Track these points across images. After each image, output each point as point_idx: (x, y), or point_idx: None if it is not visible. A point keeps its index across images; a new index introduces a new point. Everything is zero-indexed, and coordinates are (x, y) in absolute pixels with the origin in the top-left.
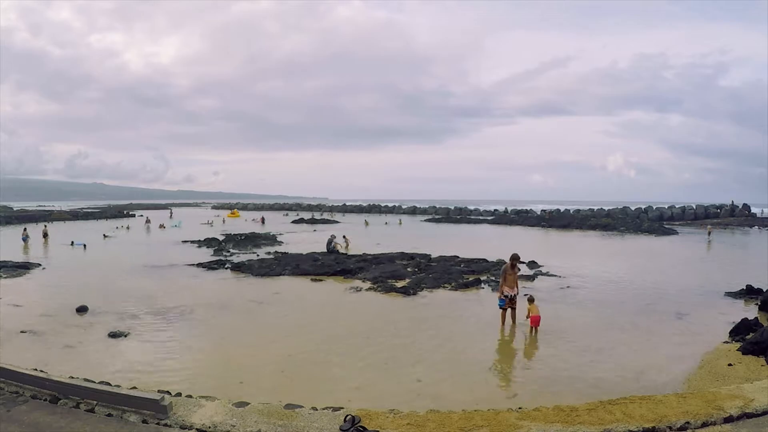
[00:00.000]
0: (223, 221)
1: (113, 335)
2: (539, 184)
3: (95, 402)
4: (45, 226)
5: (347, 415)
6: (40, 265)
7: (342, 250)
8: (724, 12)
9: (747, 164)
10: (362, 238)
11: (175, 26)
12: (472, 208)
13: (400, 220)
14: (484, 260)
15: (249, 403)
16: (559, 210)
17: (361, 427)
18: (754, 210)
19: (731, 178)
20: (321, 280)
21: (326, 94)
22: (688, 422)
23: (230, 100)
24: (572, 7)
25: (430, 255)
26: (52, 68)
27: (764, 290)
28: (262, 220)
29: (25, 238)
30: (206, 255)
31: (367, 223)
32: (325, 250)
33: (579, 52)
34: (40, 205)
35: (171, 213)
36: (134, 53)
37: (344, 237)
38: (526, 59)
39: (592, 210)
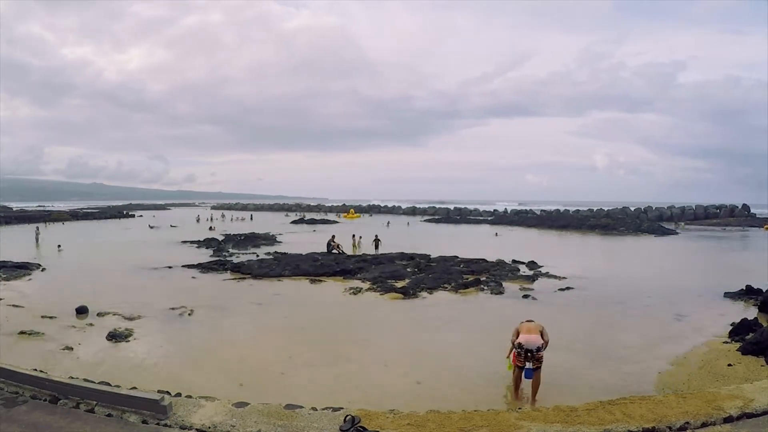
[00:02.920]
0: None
1: (113, 336)
2: (534, 184)
3: (95, 402)
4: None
5: (347, 415)
6: (40, 265)
7: (358, 251)
8: (667, 11)
9: (733, 164)
10: (362, 238)
11: (137, 38)
12: (471, 208)
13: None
14: (484, 260)
15: (249, 404)
16: (558, 210)
17: (361, 427)
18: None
19: (721, 177)
20: (321, 281)
21: (295, 100)
22: (687, 422)
23: (206, 104)
24: (518, 10)
25: (429, 255)
26: (37, 77)
27: (764, 290)
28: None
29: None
30: (206, 255)
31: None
32: (325, 251)
33: (534, 54)
34: (40, 205)
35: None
36: (105, 61)
37: (354, 236)
38: (483, 62)
39: (591, 210)
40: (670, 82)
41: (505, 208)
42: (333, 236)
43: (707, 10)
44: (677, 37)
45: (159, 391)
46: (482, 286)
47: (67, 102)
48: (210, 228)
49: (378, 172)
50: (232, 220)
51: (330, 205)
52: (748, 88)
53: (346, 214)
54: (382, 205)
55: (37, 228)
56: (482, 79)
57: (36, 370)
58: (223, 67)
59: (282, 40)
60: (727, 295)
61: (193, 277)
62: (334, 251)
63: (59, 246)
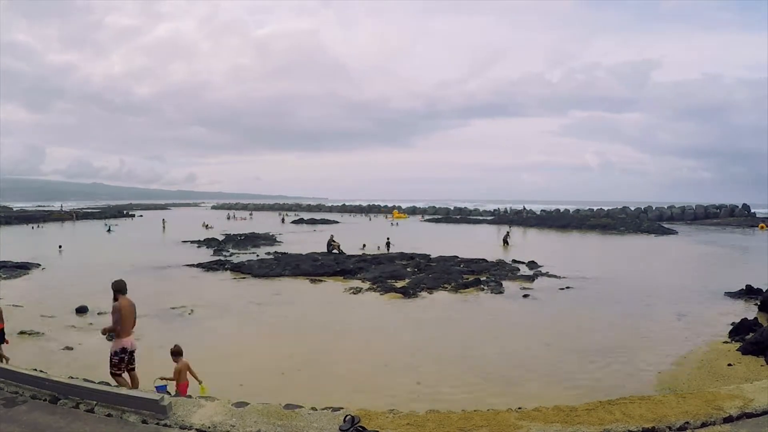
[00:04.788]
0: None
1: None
2: (530, 184)
3: (95, 402)
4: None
5: (347, 415)
6: (39, 265)
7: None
8: (632, 9)
9: (725, 163)
10: (362, 239)
11: (117, 45)
12: (471, 208)
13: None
14: (484, 260)
15: (249, 404)
16: (558, 210)
17: (360, 427)
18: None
19: (714, 176)
20: (321, 281)
21: (278, 103)
22: (687, 422)
23: (193, 108)
24: (481, 10)
25: (429, 255)
26: (28, 82)
27: (764, 290)
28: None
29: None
30: (206, 255)
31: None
32: (325, 251)
33: (504, 54)
34: (39, 205)
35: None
36: (91, 67)
37: (388, 239)
38: (457, 64)
39: (591, 210)
40: (646, 81)
41: (506, 208)
42: (332, 236)
43: (673, 9)
44: (645, 35)
45: None
46: (482, 285)
47: (60, 105)
48: (208, 227)
49: (373, 172)
50: (240, 218)
51: (330, 205)
52: (729, 86)
53: (395, 213)
54: (382, 205)
55: (164, 219)
56: (459, 81)
57: (36, 370)
58: (200, 73)
59: (257, 47)
60: (727, 294)
61: (193, 277)
62: (334, 251)
63: (60, 246)
